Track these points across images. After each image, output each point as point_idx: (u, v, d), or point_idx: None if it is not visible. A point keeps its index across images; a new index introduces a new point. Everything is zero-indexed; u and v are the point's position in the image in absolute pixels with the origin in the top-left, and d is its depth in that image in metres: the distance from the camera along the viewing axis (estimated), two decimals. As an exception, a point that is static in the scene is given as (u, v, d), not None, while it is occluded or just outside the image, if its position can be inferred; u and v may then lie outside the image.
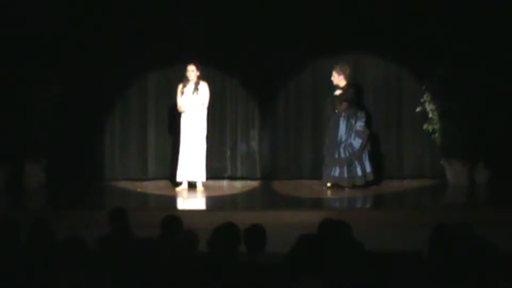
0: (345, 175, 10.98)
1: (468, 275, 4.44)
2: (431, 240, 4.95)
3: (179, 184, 11.09)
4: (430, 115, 11.48)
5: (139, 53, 11.79)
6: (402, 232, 8.43)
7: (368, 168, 11.04)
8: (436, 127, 11.46)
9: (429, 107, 11.44)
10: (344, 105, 10.99)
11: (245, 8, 11.78)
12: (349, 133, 11.01)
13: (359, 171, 11.00)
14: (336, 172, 11.01)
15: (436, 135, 11.51)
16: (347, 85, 11.04)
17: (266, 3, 11.79)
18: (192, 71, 10.87)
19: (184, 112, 10.93)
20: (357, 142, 11.02)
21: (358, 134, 11.03)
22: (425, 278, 4.50)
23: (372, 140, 11.38)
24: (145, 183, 11.82)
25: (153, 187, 11.56)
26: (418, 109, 11.57)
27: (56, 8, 11.29)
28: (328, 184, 11.10)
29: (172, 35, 11.78)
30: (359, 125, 11.06)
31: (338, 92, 11.03)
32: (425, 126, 11.55)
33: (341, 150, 11.00)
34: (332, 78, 11.04)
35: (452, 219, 5.99)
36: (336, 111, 11.05)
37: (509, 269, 4.53)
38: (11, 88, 10.98)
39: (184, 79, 11.01)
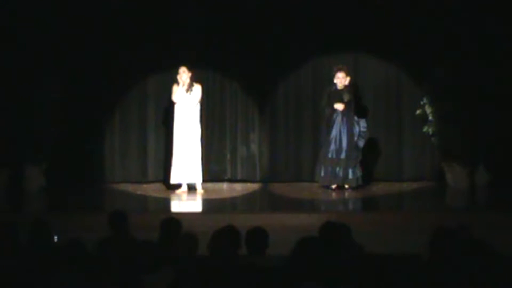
0: (350, 176, 10.99)
1: (467, 278, 4.44)
2: (430, 243, 4.95)
3: (173, 186, 11.11)
4: (430, 118, 11.48)
5: (139, 56, 11.81)
6: (402, 235, 8.43)
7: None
8: (436, 129, 11.46)
9: (428, 109, 11.45)
10: (349, 96, 10.95)
11: (245, 10, 11.79)
12: (353, 134, 10.99)
13: (359, 172, 11.03)
14: (340, 172, 11.02)
15: (436, 137, 11.51)
16: (349, 84, 11.07)
17: (265, 4, 11.80)
18: (183, 72, 10.89)
19: (176, 104, 10.93)
20: (361, 143, 11.06)
21: (362, 135, 11.04)
22: (425, 281, 4.50)
23: (372, 142, 11.39)
24: (145, 186, 11.82)
25: (153, 189, 11.55)
26: (418, 112, 11.57)
27: (56, 9, 11.30)
28: (333, 186, 11.11)
29: (171, 37, 11.81)
30: (363, 125, 11.07)
31: (340, 87, 10.99)
32: (425, 129, 11.55)
33: (348, 151, 10.98)
34: (340, 79, 10.96)
35: (452, 222, 6.00)
36: (336, 106, 10.94)
37: (509, 272, 4.53)
38: (11, 90, 10.98)
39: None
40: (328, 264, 4.51)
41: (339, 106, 10.97)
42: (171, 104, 11.11)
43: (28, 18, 11.12)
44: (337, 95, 10.99)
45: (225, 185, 12.02)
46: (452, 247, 4.85)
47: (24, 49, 11.03)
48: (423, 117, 11.56)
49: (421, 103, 11.51)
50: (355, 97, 11.20)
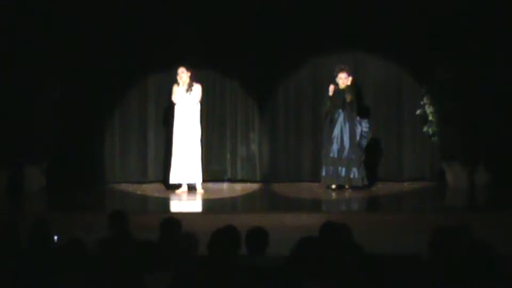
0: (356, 175, 10.99)
1: (468, 278, 4.43)
2: (431, 243, 4.94)
3: (173, 186, 11.11)
4: (430, 118, 11.48)
5: (139, 56, 11.82)
6: (402, 235, 8.43)
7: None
8: (436, 129, 11.47)
9: (429, 109, 11.45)
10: (351, 96, 10.93)
11: (245, 10, 11.80)
12: (355, 134, 10.99)
13: (363, 172, 11.04)
14: (342, 172, 11.01)
15: (436, 137, 11.52)
16: (352, 84, 11.07)
17: (265, 4, 11.80)
18: (182, 73, 10.90)
19: (176, 104, 10.93)
20: (364, 143, 11.06)
21: (364, 135, 11.04)
22: (425, 281, 4.50)
23: (372, 142, 11.39)
24: (145, 186, 11.83)
25: (153, 189, 11.55)
26: (418, 112, 11.58)
27: (56, 8, 11.30)
28: (333, 186, 11.10)
29: (172, 37, 11.81)
30: (365, 126, 11.07)
31: (342, 87, 10.97)
32: (425, 129, 11.56)
33: (350, 150, 10.97)
34: (343, 79, 10.93)
35: (452, 222, 5.99)
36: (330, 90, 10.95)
37: (509, 272, 4.53)
38: (11, 90, 10.98)
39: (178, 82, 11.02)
40: (328, 264, 4.51)
41: (331, 89, 10.93)
42: (171, 104, 11.11)
43: (28, 18, 11.12)
44: (339, 95, 10.98)
45: (225, 185, 12.02)
46: (452, 247, 4.85)
47: (24, 49, 11.03)
48: (423, 117, 11.56)
49: (421, 103, 11.51)
50: (357, 97, 11.20)
